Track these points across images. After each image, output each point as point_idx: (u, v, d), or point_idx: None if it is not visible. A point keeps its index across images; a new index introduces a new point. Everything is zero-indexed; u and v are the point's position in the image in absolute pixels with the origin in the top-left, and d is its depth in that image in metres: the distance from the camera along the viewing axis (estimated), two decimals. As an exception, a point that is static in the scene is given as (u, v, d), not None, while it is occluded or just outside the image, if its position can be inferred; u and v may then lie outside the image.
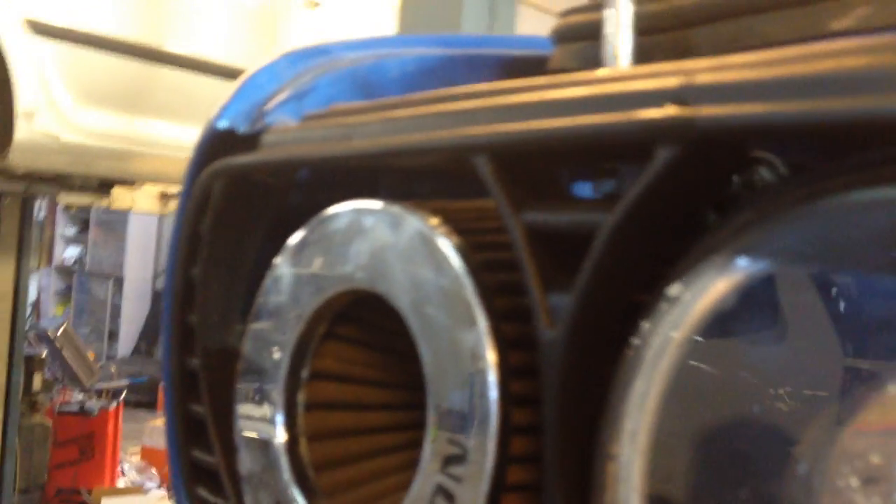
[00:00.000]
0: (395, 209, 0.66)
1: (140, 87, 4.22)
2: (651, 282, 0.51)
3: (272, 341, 0.73)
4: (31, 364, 5.43)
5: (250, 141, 0.76)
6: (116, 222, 8.59)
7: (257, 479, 0.73)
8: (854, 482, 0.44)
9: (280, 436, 0.71)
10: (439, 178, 0.81)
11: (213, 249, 0.78)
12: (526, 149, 0.54)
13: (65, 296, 8.77)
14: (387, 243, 0.66)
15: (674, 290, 0.48)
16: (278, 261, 0.73)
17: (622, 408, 0.50)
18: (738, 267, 0.46)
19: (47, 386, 5.71)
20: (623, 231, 0.50)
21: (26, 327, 5.92)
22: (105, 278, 8.69)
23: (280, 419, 0.71)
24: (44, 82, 3.97)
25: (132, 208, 4.58)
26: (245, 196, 0.78)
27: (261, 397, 0.73)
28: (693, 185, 0.50)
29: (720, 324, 0.48)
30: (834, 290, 0.46)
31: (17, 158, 3.94)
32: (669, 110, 0.47)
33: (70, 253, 8.87)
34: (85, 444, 5.77)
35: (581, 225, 0.52)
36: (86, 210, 8.63)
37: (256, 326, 0.75)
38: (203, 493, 0.83)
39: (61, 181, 4.42)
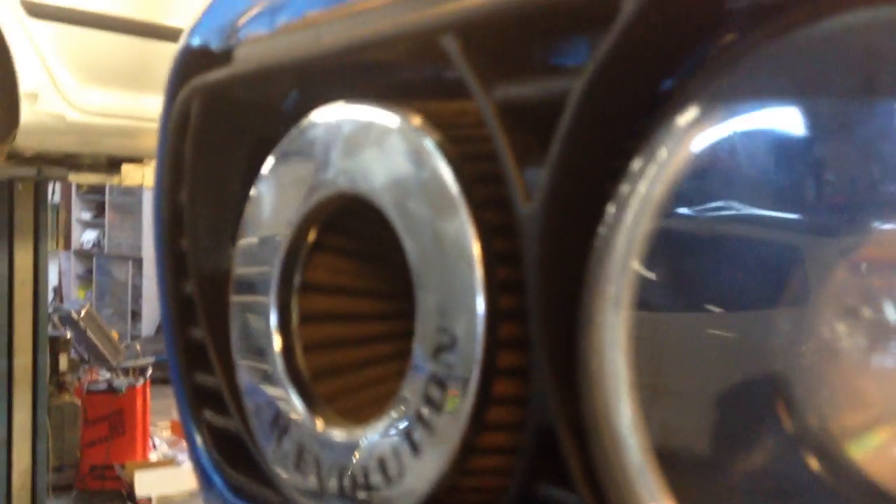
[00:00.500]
0: (375, 110, 0.66)
1: (143, 64, 4.21)
2: (632, 147, 0.50)
3: (261, 254, 0.73)
4: (57, 345, 5.51)
5: (225, 56, 0.75)
6: (132, 204, 8.63)
7: (258, 392, 0.73)
8: (841, 327, 0.44)
9: (276, 345, 0.71)
10: (429, 90, 0.80)
11: (197, 172, 0.78)
12: (490, 21, 0.53)
13: (86, 279, 8.85)
14: (367, 144, 0.66)
15: (651, 139, 0.48)
16: (262, 174, 0.73)
17: (603, 273, 0.50)
18: (711, 117, 0.46)
19: (74, 366, 5.79)
20: (593, 96, 0.50)
21: (50, 311, 5.98)
22: (124, 260, 8.76)
23: (275, 328, 0.72)
24: (45, 64, 3.97)
25: (143, 184, 4.60)
26: (225, 115, 0.77)
27: (254, 310, 0.73)
28: (666, 40, 0.49)
29: (700, 183, 0.48)
30: (811, 130, 0.45)
31: (25, 140, 3.96)
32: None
33: (87, 237, 8.94)
34: (115, 421, 5.85)
35: (551, 94, 0.51)
36: (101, 194, 8.67)
37: (244, 242, 0.75)
38: (209, 415, 0.84)
39: (70, 162, 4.43)
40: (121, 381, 6.04)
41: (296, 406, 0.69)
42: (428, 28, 0.56)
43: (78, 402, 5.73)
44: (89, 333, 6.36)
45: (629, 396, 0.48)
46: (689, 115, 0.47)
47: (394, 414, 0.63)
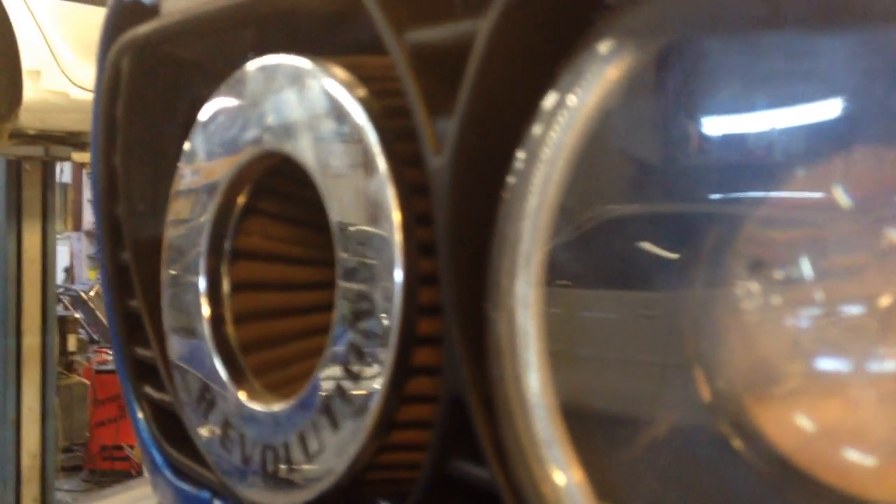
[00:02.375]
0: (299, 63, 0.62)
1: (148, 42, 4.18)
2: (540, 93, 0.46)
3: (191, 220, 0.70)
4: (65, 325, 5.52)
5: (155, 11, 0.71)
6: (144, 185, 8.61)
7: (186, 364, 0.70)
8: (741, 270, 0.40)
9: (204, 313, 0.68)
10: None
11: (130, 135, 0.74)
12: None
13: (97, 260, 8.88)
14: (291, 100, 0.62)
15: (561, 83, 0.43)
16: (191, 136, 0.70)
17: (511, 231, 0.46)
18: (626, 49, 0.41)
19: (82, 346, 5.80)
20: (501, 37, 0.46)
21: (59, 291, 5.99)
22: (137, 241, 8.75)
23: (203, 296, 0.68)
24: (47, 41, 3.95)
25: (149, 163, 4.56)
26: (158, 75, 0.74)
27: (184, 280, 0.70)
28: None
29: (611, 117, 0.43)
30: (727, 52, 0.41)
31: (28, 118, 3.95)
32: None
33: (100, 218, 8.94)
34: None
35: (461, 37, 0.47)
36: (113, 175, 8.63)
37: (175, 207, 0.71)
38: (148, 390, 0.80)
39: (74, 140, 4.42)
40: (130, 362, 6.04)
41: (222, 379, 0.66)
42: (338, -29, 0.52)
43: (87, 382, 5.75)
44: (98, 314, 6.37)
45: (538, 362, 0.45)
46: (604, 48, 0.43)
47: (314, 386, 0.59)
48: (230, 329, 0.69)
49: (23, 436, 4.71)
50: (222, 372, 0.66)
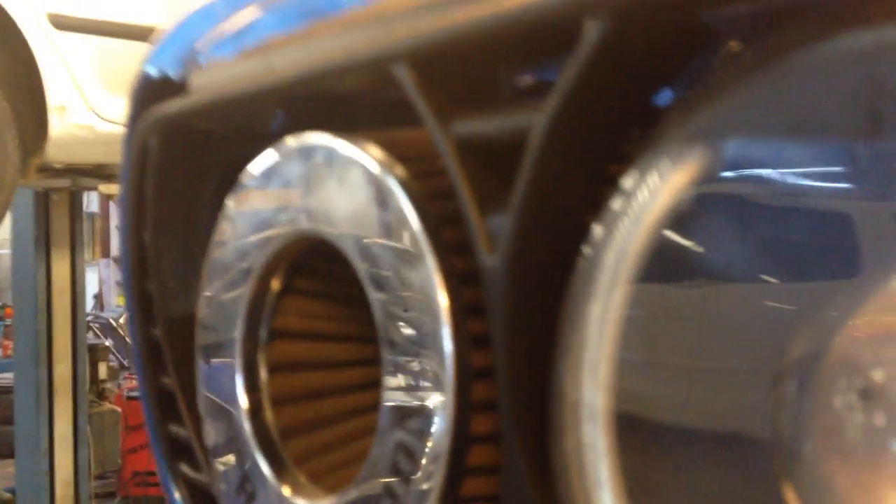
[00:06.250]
0: (336, 143, 0.59)
1: (170, 71, 4.19)
2: (600, 193, 0.43)
3: (226, 302, 0.67)
4: (96, 354, 5.54)
5: (184, 87, 0.69)
6: (170, 209, 8.66)
7: (223, 451, 0.67)
8: (852, 398, 0.36)
9: (242, 402, 0.65)
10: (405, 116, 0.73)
11: (160, 211, 0.72)
12: (445, 49, 0.46)
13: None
14: (328, 181, 0.59)
15: (627, 182, 0.40)
16: (223, 217, 0.67)
17: (578, 336, 0.43)
18: (697, 150, 0.38)
19: (113, 373, 5.82)
20: (559, 131, 0.42)
21: (89, 319, 6.02)
22: (164, 265, 8.80)
23: (240, 384, 0.65)
24: (73, 76, 3.97)
25: (174, 191, 4.58)
26: (188, 150, 0.71)
27: (219, 367, 0.67)
28: (636, 66, 0.42)
29: (684, 224, 0.40)
30: (813, 164, 0.37)
31: (55, 153, 3.97)
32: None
33: (127, 243, 9.00)
34: (156, 428, 5.86)
35: (513, 130, 0.44)
36: (139, 199, 8.70)
37: (209, 289, 0.68)
38: (185, 468, 0.78)
39: (101, 172, 4.44)
40: (160, 388, 6.06)
41: (262, 471, 0.63)
42: (379, 57, 0.49)
43: (118, 409, 5.77)
44: (129, 340, 6.40)
45: (610, 480, 0.41)
46: (673, 146, 0.39)
47: (362, 484, 0.56)
48: (268, 412, 0.66)
49: (56, 464, 4.72)
50: (263, 464, 0.64)
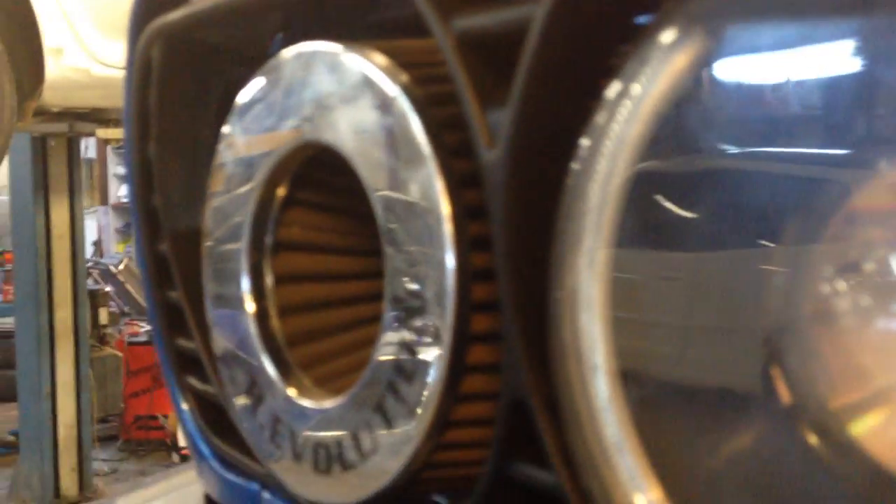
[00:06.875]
0: (337, 49, 0.60)
1: (167, 14, 4.15)
2: (599, 84, 0.44)
3: (231, 212, 0.68)
4: (96, 299, 5.57)
5: (185, -2, 0.69)
6: (168, 156, 8.62)
7: (231, 358, 0.69)
8: (840, 285, 0.38)
9: (249, 309, 0.67)
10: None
11: (163, 124, 0.72)
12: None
13: (125, 233, 8.93)
14: (330, 88, 0.60)
15: (625, 71, 0.41)
16: (226, 127, 0.68)
17: (576, 225, 0.44)
18: (695, 34, 0.39)
19: (114, 319, 5.85)
20: (558, 23, 0.43)
21: (89, 265, 6.03)
22: (162, 212, 8.79)
23: (247, 291, 0.67)
24: (68, 18, 3.93)
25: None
26: (190, 62, 0.72)
27: (226, 273, 0.69)
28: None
29: (681, 114, 0.41)
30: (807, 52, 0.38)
31: (51, 96, 3.95)
32: None
33: (125, 191, 9.00)
34: (157, 372, 5.92)
35: (513, 22, 0.45)
36: (136, 147, 8.66)
37: (214, 199, 0.70)
38: (192, 381, 0.80)
39: (98, 116, 4.42)
40: (161, 333, 6.09)
41: (269, 374, 0.65)
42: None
43: (120, 354, 5.82)
44: (128, 287, 6.42)
45: (606, 368, 0.43)
46: (670, 34, 0.40)
47: (366, 383, 0.58)
48: (275, 322, 0.67)
49: (58, 408, 4.78)
50: (269, 368, 0.65)
